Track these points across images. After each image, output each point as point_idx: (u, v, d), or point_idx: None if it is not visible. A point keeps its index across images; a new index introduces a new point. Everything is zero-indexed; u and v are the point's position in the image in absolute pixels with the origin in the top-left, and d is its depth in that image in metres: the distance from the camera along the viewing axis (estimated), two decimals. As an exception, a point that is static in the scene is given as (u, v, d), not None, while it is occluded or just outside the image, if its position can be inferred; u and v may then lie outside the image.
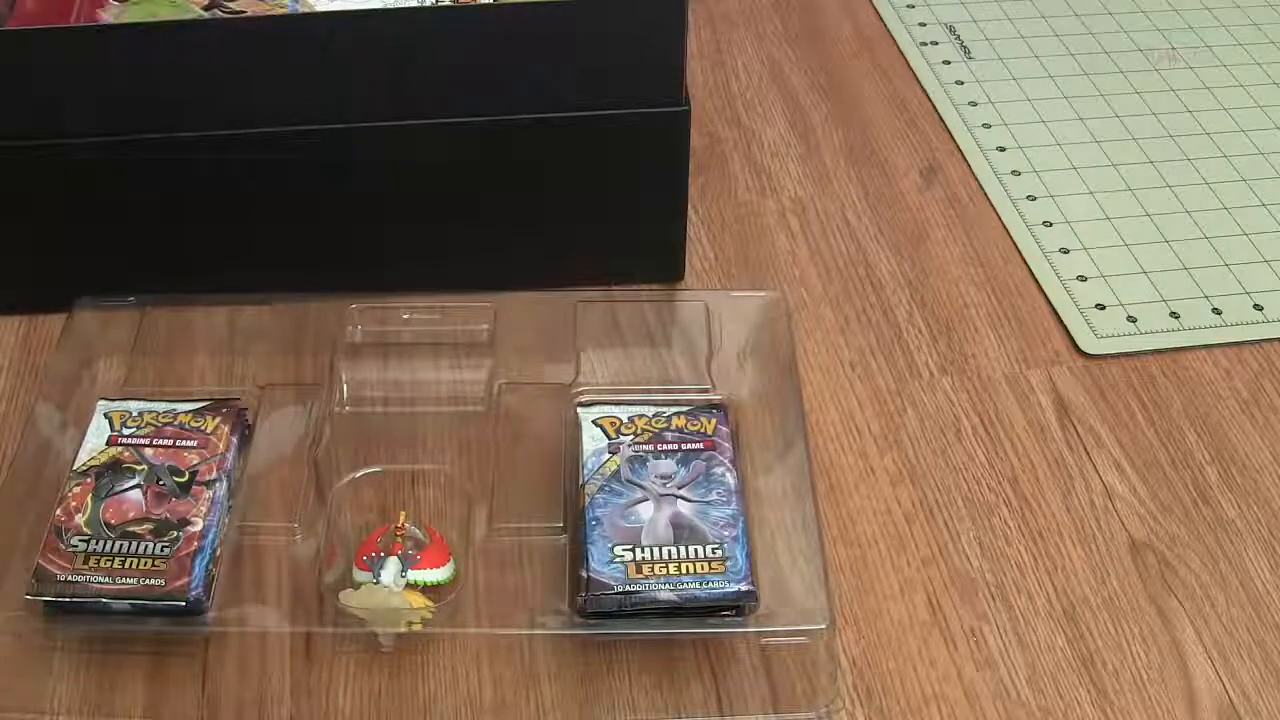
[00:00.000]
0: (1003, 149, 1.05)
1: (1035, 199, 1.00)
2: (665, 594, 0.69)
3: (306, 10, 0.87)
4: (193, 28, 0.83)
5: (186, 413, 0.77)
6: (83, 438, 0.76)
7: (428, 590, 0.70)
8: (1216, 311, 0.92)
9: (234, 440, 0.77)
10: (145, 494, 0.73)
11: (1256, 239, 0.97)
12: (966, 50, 1.15)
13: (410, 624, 0.70)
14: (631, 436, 0.77)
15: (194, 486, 0.74)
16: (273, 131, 0.82)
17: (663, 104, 0.84)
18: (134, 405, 0.78)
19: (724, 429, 0.78)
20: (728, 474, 0.75)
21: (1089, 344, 0.89)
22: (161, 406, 0.78)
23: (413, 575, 0.70)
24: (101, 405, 0.78)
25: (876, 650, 0.73)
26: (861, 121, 1.07)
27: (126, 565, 0.70)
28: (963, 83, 1.11)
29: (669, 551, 0.71)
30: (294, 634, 0.71)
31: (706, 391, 0.82)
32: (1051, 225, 0.98)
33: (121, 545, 0.71)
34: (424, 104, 0.82)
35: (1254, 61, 1.14)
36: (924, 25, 1.17)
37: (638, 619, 0.70)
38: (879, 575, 0.76)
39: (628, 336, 0.87)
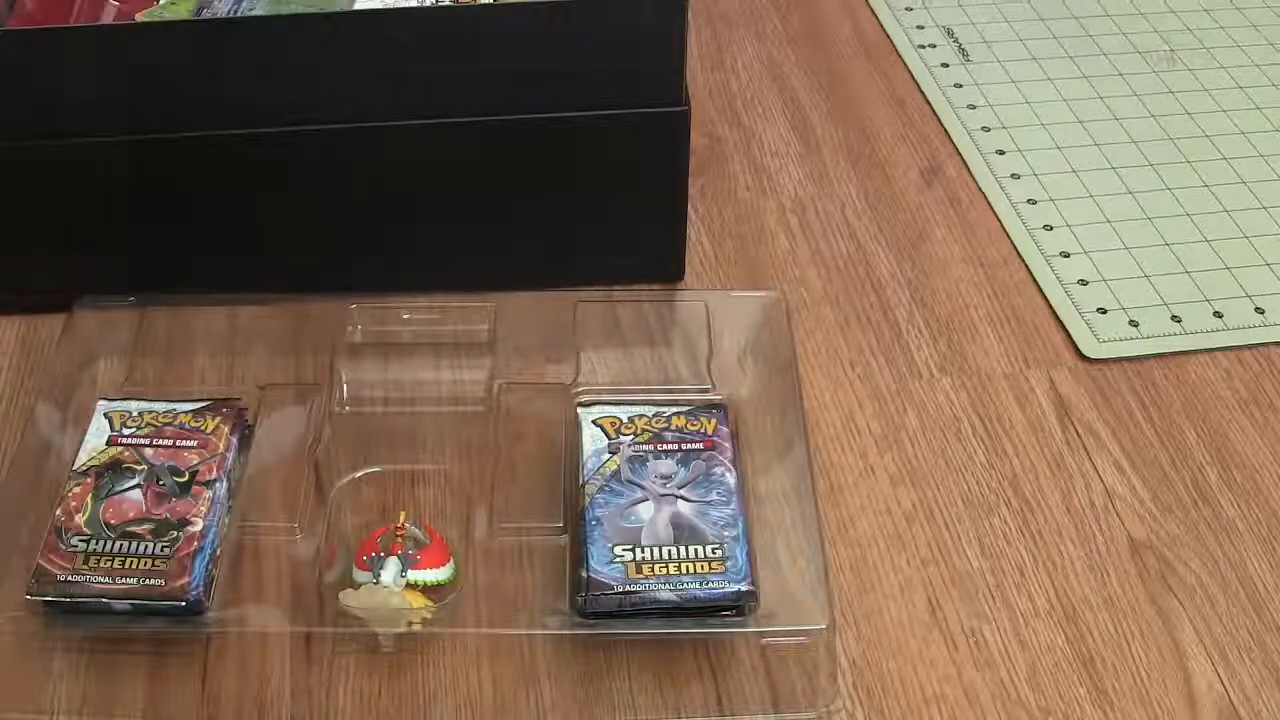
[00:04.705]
0: (1002, 152, 1.05)
1: (1035, 202, 1.00)
2: (665, 594, 0.69)
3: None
4: (191, 28, 0.83)
5: (186, 413, 0.77)
6: (83, 438, 0.76)
7: (428, 590, 0.70)
8: (1218, 315, 0.92)
9: (234, 440, 0.76)
10: (145, 494, 0.73)
11: (1257, 241, 0.97)
12: (964, 53, 1.15)
13: (410, 624, 0.70)
14: (631, 436, 0.77)
15: (194, 486, 0.74)
16: (272, 131, 0.82)
17: (662, 104, 0.84)
18: (134, 405, 0.78)
19: (724, 429, 0.77)
20: (728, 474, 0.75)
21: (1090, 348, 0.89)
22: (161, 406, 0.78)
23: (413, 575, 0.70)
24: (101, 405, 0.78)
25: (876, 650, 0.73)
26: (861, 121, 1.07)
27: (126, 565, 0.70)
28: (961, 85, 1.11)
29: (669, 551, 0.71)
30: (294, 634, 0.71)
31: (706, 391, 0.82)
32: (1051, 229, 0.98)
33: (121, 545, 0.71)
34: (424, 104, 0.82)
35: (1253, 63, 1.14)
36: (922, 28, 1.17)
37: (638, 619, 0.70)
38: (879, 575, 0.76)
39: (628, 336, 0.87)
